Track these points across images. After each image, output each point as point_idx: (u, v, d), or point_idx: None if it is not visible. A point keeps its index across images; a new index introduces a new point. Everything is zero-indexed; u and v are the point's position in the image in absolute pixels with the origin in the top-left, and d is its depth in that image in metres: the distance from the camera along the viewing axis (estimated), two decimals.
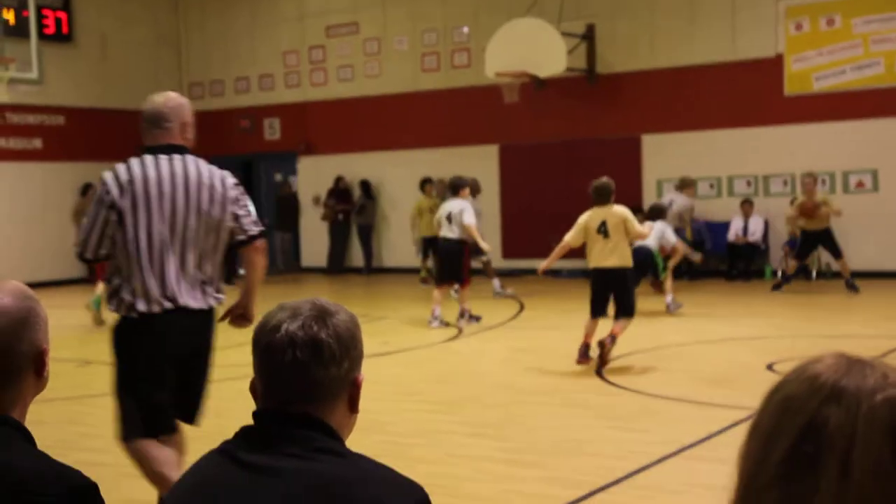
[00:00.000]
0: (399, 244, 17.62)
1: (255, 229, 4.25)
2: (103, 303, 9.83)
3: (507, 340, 9.79)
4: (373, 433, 5.48)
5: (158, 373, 4.08)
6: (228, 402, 7.08)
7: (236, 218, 4.18)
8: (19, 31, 15.94)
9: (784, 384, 1.15)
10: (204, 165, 4.24)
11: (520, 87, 15.46)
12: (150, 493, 4.43)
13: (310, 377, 1.70)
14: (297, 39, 18.64)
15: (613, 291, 8.10)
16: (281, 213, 18.84)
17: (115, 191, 4.08)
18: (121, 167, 4.17)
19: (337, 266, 18.14)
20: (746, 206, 14.81)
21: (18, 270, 14.46)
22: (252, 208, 4.38)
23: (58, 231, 16.43)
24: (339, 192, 18.04)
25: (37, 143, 17.29)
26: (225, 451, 1.74)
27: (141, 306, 4.00)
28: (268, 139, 19.24)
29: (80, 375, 8.11)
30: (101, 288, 10.70)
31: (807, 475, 1.07)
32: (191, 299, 4.07)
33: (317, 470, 1.65)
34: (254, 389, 1.79)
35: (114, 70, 18.46)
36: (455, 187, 10.76)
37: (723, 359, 8.25)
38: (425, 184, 15.64)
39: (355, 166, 18.05)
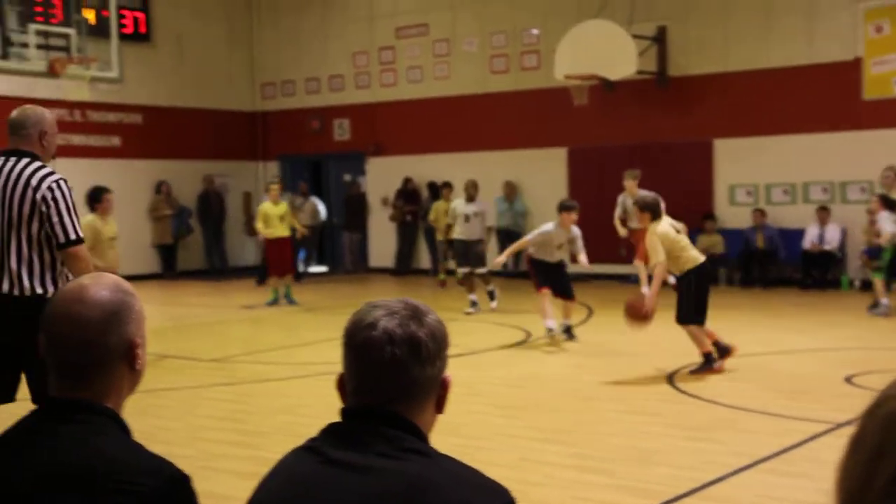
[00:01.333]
0: None
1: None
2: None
3: (576, 345, 9.72)
4: (445, 435, 5.47)
5: None
6: (299, 400, 7.17)
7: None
8: (100, 30, 16.32)
9: (887, 399, 1.12)
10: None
11: (589, 90, 15.37)
12: (228, 486, 4.51)
13: (407, 375, 1.71)
14: (367, 40, 18.77)
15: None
16: (349, 213, 18.99)
17: None
18: None
19: (404, 267, 18.22)
20: (822, 213, 14.49)
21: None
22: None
23: (135, 227, 16.78)
24: (408, 193, 18.12)
25: (115, 140, 17.68)
26: (312, 449, 1.75)
27: None
28: (337, 140, 19.41)
29: (156, 369, 8.28)
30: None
31: None
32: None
33: (406, 470, 1.65)
34: (342, 386, 1.79)
35: (189, 69, 18.80)
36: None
37: (799, 370, 8.09)
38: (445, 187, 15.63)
39: (423, 167, 18.11)
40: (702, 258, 8.16)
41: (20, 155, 4.55)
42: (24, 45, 15.66)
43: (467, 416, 6.40)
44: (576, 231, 10.11)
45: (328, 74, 19.28)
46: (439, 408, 1.79)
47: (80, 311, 1.86)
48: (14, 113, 4.65)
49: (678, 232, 8.19)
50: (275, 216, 13.13)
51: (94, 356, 1.86)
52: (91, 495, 1.73)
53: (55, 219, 4.46)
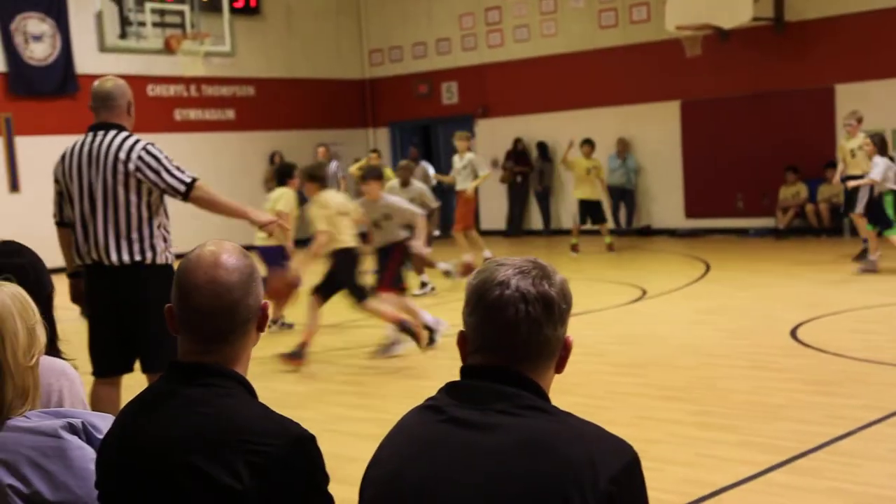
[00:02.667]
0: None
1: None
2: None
3: (693, 301, 9.54)
4: (562, 395, 5.45)
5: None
6: (418, 362, 7.26)
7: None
8: (211, 6, 16.70)
9: None
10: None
11: (702, 40, 14.92)
12: (351, 447, 4.60)
13: (540, 334, 1.70)
14: (473, 1, 18.64)
15: None
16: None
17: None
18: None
19: (516, 228, 18.17)
20: None
21: (217, 236, 15.23)
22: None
23: (251, 198, 17.12)
24: (517, 154, 18.01)
25: (230, 113, 18.11)
26: (432, 407, 1.76)
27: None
28: (445, 103, 19.40)
29: (277, 335, 8.49)
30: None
31: None
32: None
33: (529, 426, 1.64)
34: (463, 344, 1.79)
35: (299, 40, 19.06)
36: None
37: None
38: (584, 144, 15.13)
39: (533, 128, 17.97)
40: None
41: (108, 128, 4.59)
42: (142, 24, 16.16)
43: (584, 376, 6.36)
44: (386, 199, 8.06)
45: (435, 38, 19.26)
46: (560, 368, 1.77)
47: (221, 275, 1.90)
48: (100, 85, 4.67)
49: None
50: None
51: (237, 319, 1.91)
52: (221, 457, 1.77)
53: (164, 176, 4.51)
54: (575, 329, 6.51)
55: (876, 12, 14.43)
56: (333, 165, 15.85)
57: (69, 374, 2.36)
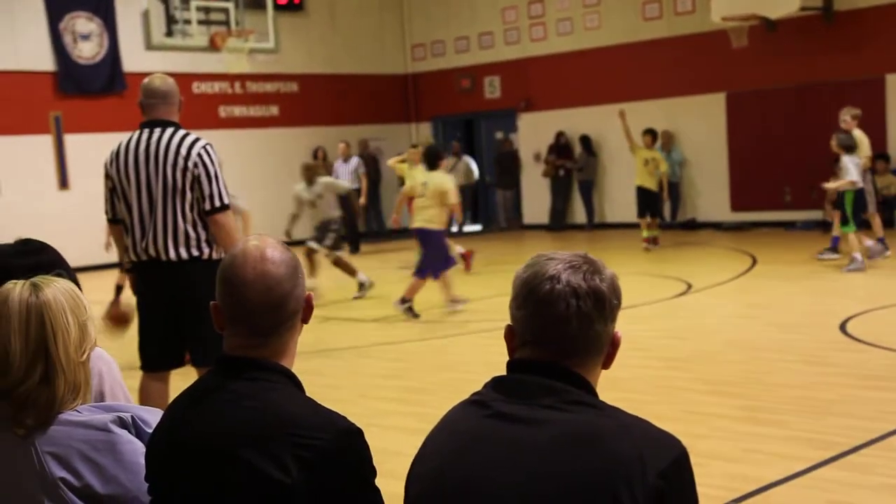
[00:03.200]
0: (621, 199, 17.33)
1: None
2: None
3: (740, 295, 9.43)
4: (610, 390, 5.42)
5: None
6: (461, 357, 7.26)
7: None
8: (255, 3, 16.83)
9: None
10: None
11: (748, 31, 14.73)
12: (396, 442, 4.61)
13: (591, 329, 1.69)
14: None
15: None
16: (502, 170, 18.98)
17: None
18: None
19: (559, 222, 18.09)
20: None
21: (265, 231, 15.34)
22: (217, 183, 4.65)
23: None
24: (560, 147, 17.94)
25: (274, 110, 18.24)
26: (478, 402, 1.75)
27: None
28: (488, 97, 19.37)
29: (321, 331, 8.54)
30: None
31: None
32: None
33: (577, 421, 1.63)
34: (510, 338, 1.78)
35: (342, 36, 19.14)
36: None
37: None
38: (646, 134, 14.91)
39: (575, 121, 17.87)
40: None
41: (164, 125, 4.63)
42: (187, 22, 16.33)
43: (630, 370, 6.31)
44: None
45: (478, 32, 19.23)
46: (607, 364, 1.76)
47: (270, 269, 1.91)
48: (155, 82, 4.70)
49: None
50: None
51: (287, 311, 1.92)
52: (269, 450, 1.78)
53: (204, 185, 4.56)
54: (621, 324, 6.44)
55: None
56: (354, 161, 15.84)
57: (105, 357, 2.40)
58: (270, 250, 1.94)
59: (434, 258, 8.88)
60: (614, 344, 1.75)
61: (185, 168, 4.53)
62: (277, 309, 1.91)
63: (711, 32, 15.40)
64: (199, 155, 4.55)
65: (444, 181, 8.99)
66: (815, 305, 8.45)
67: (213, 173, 4.57)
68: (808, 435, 4.82)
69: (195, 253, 4.59)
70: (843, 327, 7.41)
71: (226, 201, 4.61)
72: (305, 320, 1.99)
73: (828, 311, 8.05)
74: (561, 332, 1.69)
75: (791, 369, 6.27)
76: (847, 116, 10.85)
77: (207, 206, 4.57)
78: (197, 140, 4.60)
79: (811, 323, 7.70)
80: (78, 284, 2.63)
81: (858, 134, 10.83)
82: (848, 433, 4.77)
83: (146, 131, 4.63)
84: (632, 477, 1.55)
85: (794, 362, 6.45)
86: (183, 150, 4.54)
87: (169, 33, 16.33)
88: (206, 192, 4.56)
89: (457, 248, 11.81)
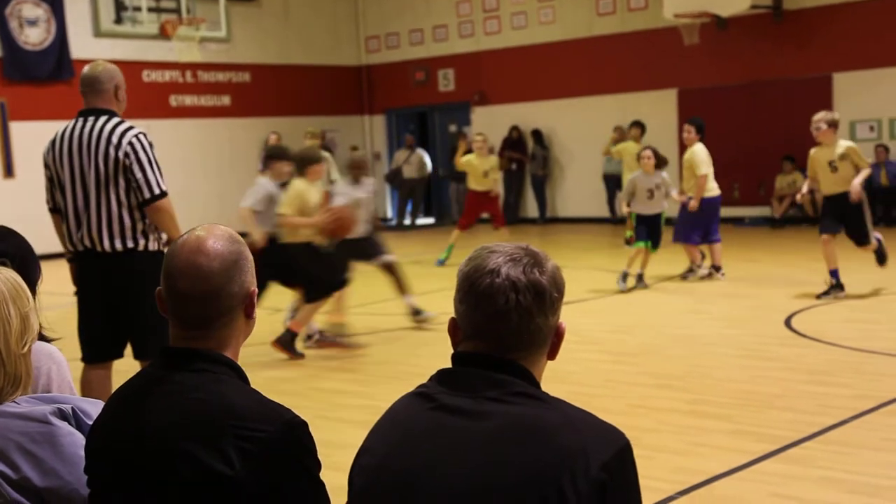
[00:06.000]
0: (573, 194, 17.46)
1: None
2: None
3: (689, 290, 9.54)
4: (555, 383, 5.45)
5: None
6: (412, 349, 7.26)
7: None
8: None
9: None
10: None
11: (700, 28, 14.90)
12: (345, 434, 4.60)
13: (531, 323, 1.69)
14: None
15: None
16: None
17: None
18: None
19: (511, 216, 18.12)
20: None
21: (212, 221, 15.20)
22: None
23: (246, 184, 17.11)
24: (514, 141, 17.99)
25: (225, 99, 18.06)
26: (423, 394, 1.74)
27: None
28: (442, 90, 19.37)
29: (270, 323, 8.48)
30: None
31: None
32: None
33: (521, 413, 1.63)
34: (454, 331, 1.78)
35: (295, 26, 19.00)
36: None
37: None
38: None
39: (530, 115, 17.94)
40: None
41: (98, 113, 4.54)
42: (137, 9, 16.10)
43: (578, 364, 6.36)
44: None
45: (432, 25, 19.21)
46: (552, 355, 1.76)
47: (202, 262, 1.88)
48: (87, 69, 4.63)
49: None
50: (479, 172, 12.43)
51: (217, 306, 1.89)
52: (212, 442, 1.76)
53: (138, 174, 4.46)
54: (570, 317, 6.49)
55: (873, 1, 14.41)
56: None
57: (56, 357, 2.35)
58: (211, 242, 1.91)
59: None
60: (558, 335, 1.75)
61: (116, 158, 4.44)
62: (207, 302, 1.89)
63: (664, 29, 15.55)
64: (130, 143, 4.45)
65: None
66: (761, 301, 8.58)
67: (145, 161, 4.47)
68: (752, 428, 4.89)
69: (130, 244, 4.51)
70: (787, 322, 7.53)
71: (163, 188, 4.50)
72: (248, 315, 1.96)
73: (773, 307, 8.18)
74: (501, 325, 1.69)
75: (736, 364, 6.36)
76: (822, 124, 8.71)
77: (144, 196, 4.48)
78: (129, 129, 4.50)
79: (756, 318, 7.81)
80: (39, 274, 2.57)
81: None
82: (790, 427, 4.85)
83: (80, 120, 4.56)
84: (575, 469, 1.56)
85: (740, 357, 6.55)
86: (114, 139, 4.45)
87: (118, 20, 16.09)
88: (141, 181, 4.46)
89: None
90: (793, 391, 5.60)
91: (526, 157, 17.89)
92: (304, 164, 7.31)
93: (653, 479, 4.08)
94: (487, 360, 1.70)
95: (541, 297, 1.68)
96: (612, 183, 16.49)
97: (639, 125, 14.41)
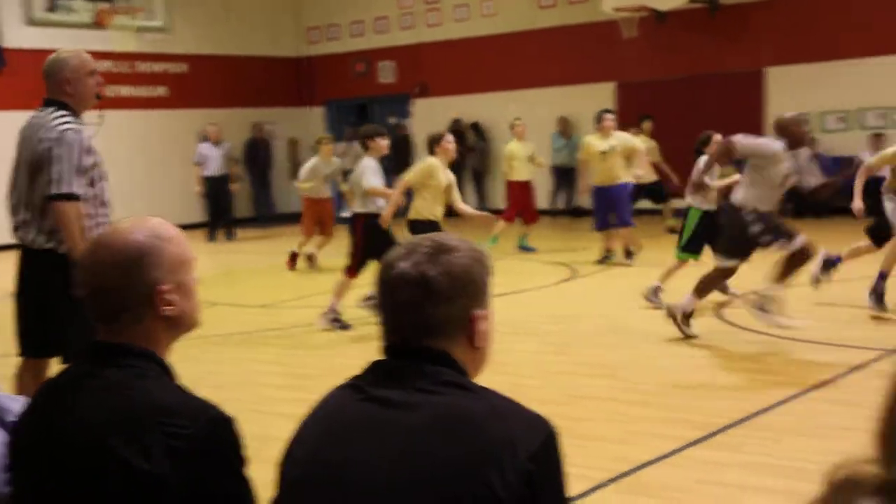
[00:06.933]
0: None
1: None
2: None
3: (624, 280, 9.67)
4: (491, 374, 5.49)
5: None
6: (350, 342, 7.26)
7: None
8: None
9: None
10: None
11: (639, 22, 15.07)
12: (281, 428, 4.59)
13: (419, 314, 1.71)
14: None
15: None
16: (396, 156, 18.95)
17: None
18: None
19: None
20: (876, 139, 14.14)
21: (147, 213, 15.00)
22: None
23: (181, 176, 16.94)
24: (455, 134, 17.99)
25: (162, 90, 17.81)
26: (353, 386, 1.76)
27: None
28: (382, 82, 19.32)
29: (205, 316, 8.41)
30: None
31: None
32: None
33: (448, 403, 1.65)
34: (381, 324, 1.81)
35: (235, 17, 18.79)
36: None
37: (849, 298, 7.97)
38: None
39: (470, 108, 17.99)
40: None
41: (47, 104, 4.42)
42: None
43: (514, 354, 6.42)
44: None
45: (373, 16, 19.14)
46: (475, 343, 1.76)
47: (102, 256, 1.87)
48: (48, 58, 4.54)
49: None
50: (522, 157, 12.35)
51: (115, 301, 1.86)
52: (136, 439, 1.75)
53: (49, 168, 4.26)
54: (506, 308, 6.52)
55: None
56: (226, 146, 15.64)
57: None
58: (121, 235, 1.89)
59: None
60: (474, 322, 1.75)
61: (41, 150, 4.29)
62: (104, 297, 1.87)
63: (604, 22, 15.69)
64: (54, 137, 4.28)
65: None
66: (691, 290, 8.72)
67: (63, 157, 4.25)
68: (683, 416, 4.99)
69: (49, 244, 4.35)
70: (718, 312, 7.68)
71: (70, 189, 4.24)
72: (160, 313, 1.92)
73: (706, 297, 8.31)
74: (402, 317, 1.72)
75: (669, 353, 6.48)
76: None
77: (49, 191, 4.24)
78: (62, 123, 4.33)
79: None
80: None
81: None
82: (719, 413, 4.96)
83: (35, 111, 4.49)
84: (502, 459, 1.58)
85: (672, 346, 6.67)
86: (41, 132, 4.32)
87: (52, 8, 15.77)
88: (50, 174, 4.25)
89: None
90: (722, 379, 5.73)
91: (466, 150, 17.93)
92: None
93: (585, 467, 4.15)
94: (416, 351, 1.72)
95: (426, 290, 1.70)
96: (562, 175, 16.54)
97: (649, 118, 14.09)
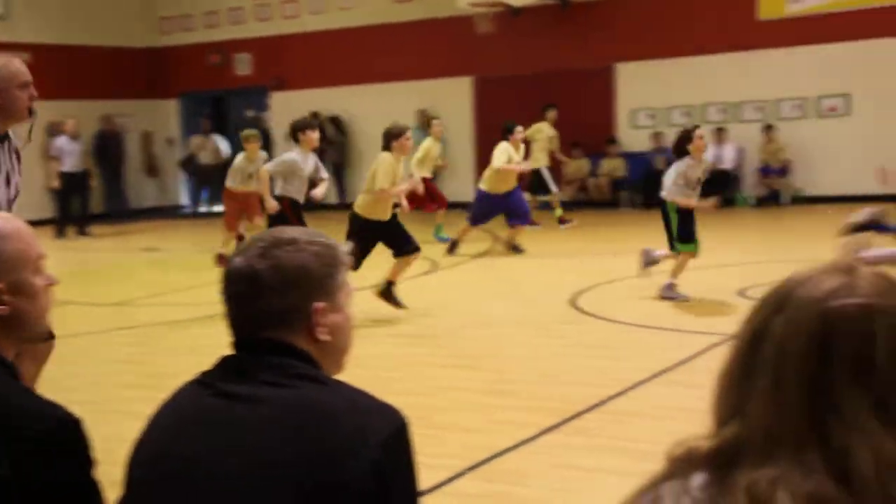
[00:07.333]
0: None
1: None
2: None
3: (482, 272, 9.84)
4: (354, 368, 5.50)
5: None
6: (205, 340, 7.12)
7: None
8: None
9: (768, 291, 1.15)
10: None
11: (494, 17, 15.30)
12: (135, 429, 4.48)
13: (253, 307, 1.72)
14: None
15: None
16: None
17: None
18: None
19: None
20: (719, 133, 14.84)
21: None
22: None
23: (27, 170, 16.18)
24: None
25: None
26: (203, 382, 1.74)
27: None
28: (238, 74, 18.99)
29: (56, 316, 8.11)
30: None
31: (749, 381, 1.10)
32: None
33: (299, 397, 1.65)
34: None
35: (82, 4, 18.07)
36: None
37: (696, 286, 8.33)
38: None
39: (329, 101, 17.88)
40: None
41: None
42: None
43: (377, 348, 6.45)
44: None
45: (227, 7, 18.78)
46: (314, 335, 1.73)
47: None
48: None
49: None
50: (435, 157, 12.43)
51: None
52: None
53: None
54: (367, 301, 6.51)
55: None
56: (65, 141, 15.11)
57: None
58: None
59: None
60: (312, 315, 1.73)
61: None
62: None
63: (460, 17, 15.86)
64: None
65: None
66: (548, 281, 8.97)
67: None
68: (539, 403, 5.13)
69: None
70: (573, 301, 7.92)
71: None
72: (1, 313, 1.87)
73: (560, 287, 8.56)
74: (238, 310, 1.74)
75: (526, 342, 6.64)
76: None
77: None
78: None
79: (545, 298, 8.16)
80: None
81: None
82: (574, 399, 5.12)
83: None
84: (354, 451, 1.59)
85: (529, 335, 6.84)
86: None
87: None
88: None
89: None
90: (578, 366, 5.92)
91: (326, 143, 17.83)
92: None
93: (444, 456, 4.22)
94: (260, 344, 1.72)
95: (253, 284, 1.71)
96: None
97: (553, 107, 14.13)
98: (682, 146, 7.79)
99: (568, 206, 15.49)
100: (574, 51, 15.82)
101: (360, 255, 7.29)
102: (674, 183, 7.75)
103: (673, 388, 5.34)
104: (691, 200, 7.75)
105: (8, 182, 4.13)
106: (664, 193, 7.84)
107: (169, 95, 19.68)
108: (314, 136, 8.46)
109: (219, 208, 18.67)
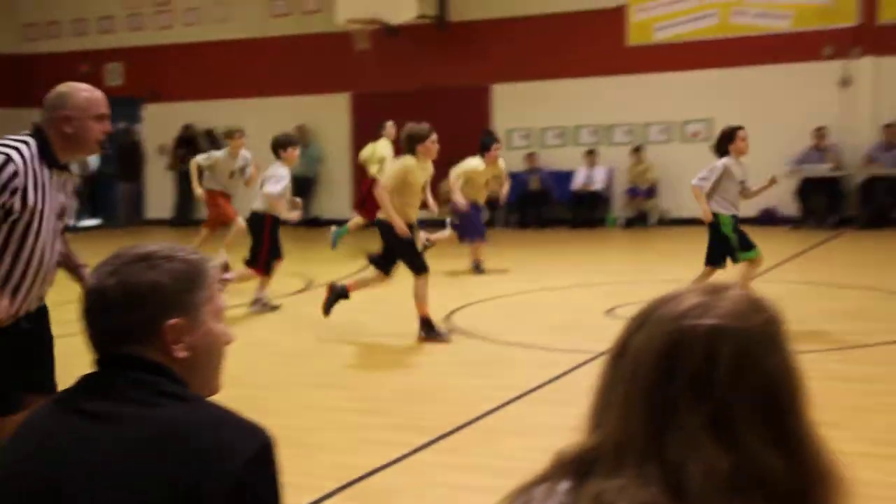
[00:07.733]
0: (246, 195, 17.28)
1: None
2: None
3: (357, 292, 9.81)
4: (228, 387, 5.42)
5: None
6: (70, 359, 6.91)
7: None
8: None
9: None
10: None
11: (371, 35, 15.36)
12: None
13: (103, 324, 1.72)
14: None
15: None
16: (124, 163, 18.21)
17: None
18: None
19: (183, 217, 17.69)
20: (590, 155, 15.27)
21: None
22: None
23: None
24: (187, 140, 17.56)
25: None
26: (62, 400, 1.71)
27: None
28: (109, 85, 18.46)
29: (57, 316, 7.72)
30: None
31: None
32: None
33: (162, 415, 1.63)
34: None
35: None
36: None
37: (566, 305, 8.57)
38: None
39: (204, 114, 17.59)
40: None
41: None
42: None
43: (248, 367, 6.37)
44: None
45: (97, 15, 18.27)
46: (170, 353, 1.71)
47: None
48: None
49: None
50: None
51: None
52: None
53: None
54: (239, 320, 6.42)
55: (530, 18, 15.64)
56: None
57: None
58: None
59: None
60: (168, 331, 1.71)
61: None
62: None
63: (337, 34, 15.86)
64: None
65: None
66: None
67: None
68: (411, 422, 5.17)
69: None
70: (446, 319, 8.01)
71: None
72: None
73: (432, 305, 8.62)
74: (90, 326, 1.74)
75: (398, 361, 6.70)
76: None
77: None
78: None
79: (416, 318, 8.20)
80: None
81: None
82: (444, 418, 5.18)
83: None
84: (217, 468, 1.57)
85: (402, 354, 6.90)
86: None
87: None
88: None
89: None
90: (449, 384, 5.99)
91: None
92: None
93: (313, 476, 4.21)
94: (121, 360, 1.70)
95: (98, 301, 1.72)
96: (300, 185, 16.44)
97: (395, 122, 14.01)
98: (724, 145, 7.64)
99: (443, 225, 15.65)
100: (451, 70, 16.02)
101: (387, 261, 7.63)
102: (717, 194, 7.76)
103: (542, 405, 5.46)
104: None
105: (61, 215, 3.81)
106: (711, 206, 7.83)
107: (35, 105, 18.92)
108: (295, 153, 8.81)
109: (87, 222, 18.14)
